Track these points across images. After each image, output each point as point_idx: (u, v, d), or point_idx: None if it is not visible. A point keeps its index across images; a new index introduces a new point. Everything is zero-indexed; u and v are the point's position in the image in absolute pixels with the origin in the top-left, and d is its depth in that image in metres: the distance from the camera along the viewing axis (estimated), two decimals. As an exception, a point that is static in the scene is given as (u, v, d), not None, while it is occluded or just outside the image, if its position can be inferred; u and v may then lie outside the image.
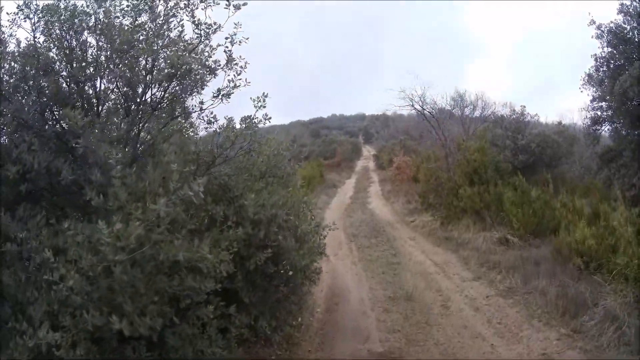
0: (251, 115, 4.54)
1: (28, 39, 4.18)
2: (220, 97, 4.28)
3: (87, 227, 3.01)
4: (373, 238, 11.55)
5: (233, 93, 4.31)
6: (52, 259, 2.87)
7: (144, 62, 4.20)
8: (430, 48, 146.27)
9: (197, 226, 3.60)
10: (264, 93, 4.34)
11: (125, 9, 4.34)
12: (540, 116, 19.14)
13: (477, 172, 11.57)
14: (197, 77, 4.33)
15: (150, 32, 4.24)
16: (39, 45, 4.16)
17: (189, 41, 4.32)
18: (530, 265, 7.86)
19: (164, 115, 4.46)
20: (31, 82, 3.95)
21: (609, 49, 12.34)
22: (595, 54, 12.54)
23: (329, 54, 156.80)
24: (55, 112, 4.13)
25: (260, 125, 4.72)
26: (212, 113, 4.60)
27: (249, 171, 4.83)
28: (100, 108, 4.22)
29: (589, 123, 14.17)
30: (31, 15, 4.16)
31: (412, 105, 15.93)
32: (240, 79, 4.24)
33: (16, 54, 4.12)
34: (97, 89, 4.20)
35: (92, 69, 4.16)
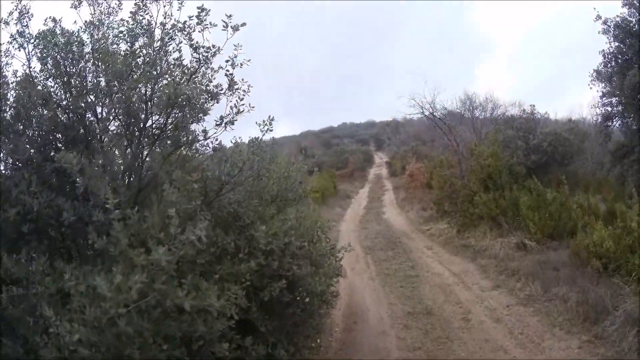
0: (258, 138, 4.44)
1: (24, 68, 4.14)
2: (223, 125, 4.15)
3: (90, 275, 2.96)
4: (389, 250, 11.51)
5: (237, 120, 4.17)
6: (53, 318, 2.80)
7: (143, 89, 4.10)
8: (437, 49, 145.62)
9: (208, 259, 3.58)
10: (270, 116, 4.23)
11: (120, 35, 4.29)
12: (549, 114, 19.01)
13: (491, 178, 11.52)
14: (198, 105, 4.16)
15: (147, 59, 4.15)
16: (36, 74, 4.12)
17: (187, 66, 4.21)
18: (549, 270, 7.77)
19: (168, 142, 4.34)
20: (31, 113, 3.89)
21: (616, 44, 12.27)
22: (603, 50, 12.49)
23: (337, 61, 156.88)
24: (54, 146, 4.02)
25: (268, 137, 4.58)
26: (217, 140, 4.38)
27: (259, 195, 4.72)
28: (101, 137, 4.10)
29: (599, 120, 14.07)
30: (25, 45, 4.14)
31: (423, 113, 15.94)
32: (243, 104, 4.10)
33: (13, 83, 4.07)
34: (98, 118, 4.11)
35: (92, 97, 4.11)
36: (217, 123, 4.17)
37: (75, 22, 4.32)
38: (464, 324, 6.58)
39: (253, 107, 4.15)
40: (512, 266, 8.67)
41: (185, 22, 4.08)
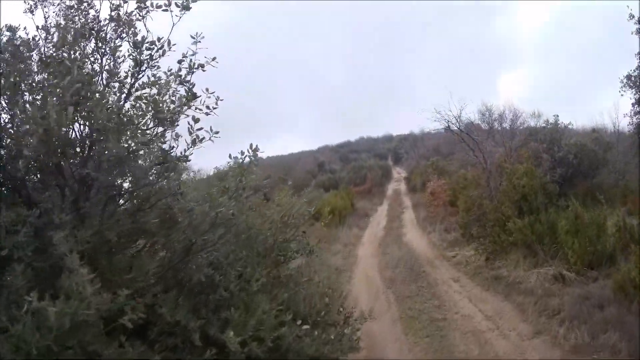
0: (241, 181, 3.30)
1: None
2: (163, 172, 3.01)
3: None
4: (412, 283, 10.48)
5: (192, 154, 3.08)
6: None
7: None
8: (457, 62, 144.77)
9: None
10: (252, 145, 3.24)
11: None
12: (572, 123, 18.15)
13: (526, 199, 10.45)
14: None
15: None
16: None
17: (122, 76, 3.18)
18: (594, 309, 6.91)
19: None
20: None
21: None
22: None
23: (356, 76, 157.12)
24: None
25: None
26: (178, 188, 3.16)
27: (249, 246, 3.70)
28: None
29: (633, 129, 13.10)
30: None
31: (449, 127, 14.84)
32: (200, 128, 2.97)
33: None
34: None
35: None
36: (158, 162, 3.02)
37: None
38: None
39: (217, 134, 3.01)
40: (553, 304, 7.67)
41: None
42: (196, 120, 2.98)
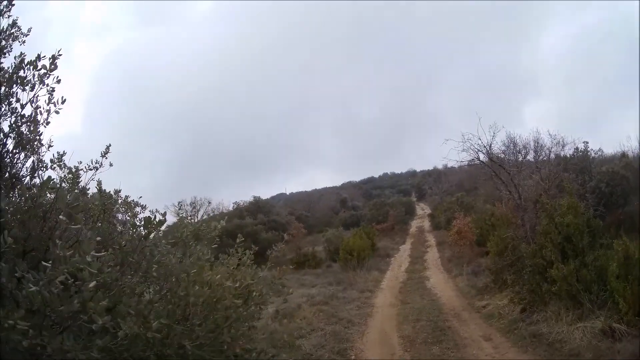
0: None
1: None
2: None
3: None
4: (436, 344, 8.71)
5: None
6: None
7: None
8: (481, 93, 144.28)
9: None
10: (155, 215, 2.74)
11: None
12: (601, 149, 16.88)
13: (570, 241, 8.76)
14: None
15: None
16: None
17: None
18: None
19: None
20: None
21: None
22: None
23: (382, 111, 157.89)
24: None
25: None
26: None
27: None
28: None
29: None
30: None
31: (478, 158, 13.13)
32: None
33: None
34: None
35: None
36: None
37: None
38: None
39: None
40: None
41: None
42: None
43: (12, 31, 3.40)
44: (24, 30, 3.49)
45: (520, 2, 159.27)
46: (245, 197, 54.17)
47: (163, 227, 3.05)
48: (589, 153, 14.92)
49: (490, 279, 12.39)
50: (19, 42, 3.43)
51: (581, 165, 13.80)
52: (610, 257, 8.19)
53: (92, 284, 2.38)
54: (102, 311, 2.39)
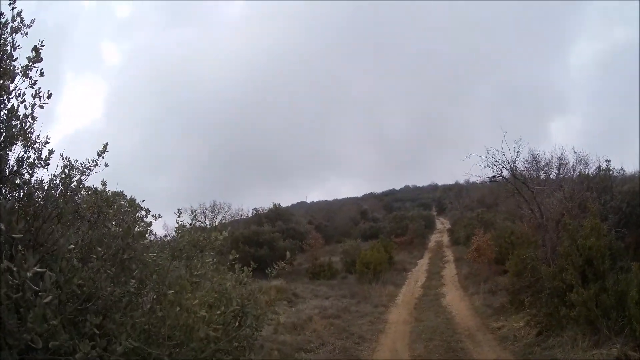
0: None
1: None
2: None
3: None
4: (448, 365, 8.57)
5: None
6: None
7: None
8: (505, 109, 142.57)
9: None
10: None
11: None
12: (623, 168, 16.26)
13: (591, 264, 8.44)
14: None
15: None
16: None
17: None
18: None
19: None
20: None
21: None
22: None
23: (407, 123, 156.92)
24: None
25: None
26: None
27: None
28: None
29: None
30: None
31: (501, 174, 12.82)
32: None
33: None
34: None
35: None
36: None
37: None
38: None
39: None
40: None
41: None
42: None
43: (13, 23, 3.35)
44: (27, 22, 3.44)
45: (549, 19, 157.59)
46: (265, 203, 54.50)
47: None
48: (610, 172, 14.45)
49: (507, 299, 12.08)
50: (22, 34, 3.38)
51: (603, 185, 13.33)
52: (630, 281, 7.90)
53: (47, 299, 2.23)
54: (58, 332, 2.28)
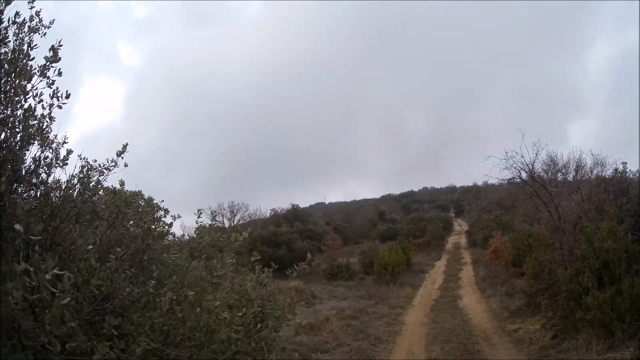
0: None
1: None
2: None
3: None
4: (464, 368, 8.69)
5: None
6: None
7: None
8: (523, 110, 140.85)
9: None
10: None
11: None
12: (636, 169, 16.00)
13: (608, 267, 8.48)
14: None
15: None
16: None
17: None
18: None
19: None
20: None
21: None
22: None
23: (427, 124, 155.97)
24: None
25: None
26: None
27: None
28: None
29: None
30: None
31: (520, 176, 12.82)
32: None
33: None
34: None
35: None
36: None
37: None
38: None
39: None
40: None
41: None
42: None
43: (31, 23, 3.34)
44: (45, 22, 3.43)
45: (567, 21, 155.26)
46: (284, 204, 54.78)
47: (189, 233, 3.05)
48: (627, 174, 14.30)
49: (524, 301, 12.13)
50: (40, 34, 3.38)
51: (620, 187, 13.21)
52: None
53: (65, 300, 2.24)
54: (75, 334, 2.30)
